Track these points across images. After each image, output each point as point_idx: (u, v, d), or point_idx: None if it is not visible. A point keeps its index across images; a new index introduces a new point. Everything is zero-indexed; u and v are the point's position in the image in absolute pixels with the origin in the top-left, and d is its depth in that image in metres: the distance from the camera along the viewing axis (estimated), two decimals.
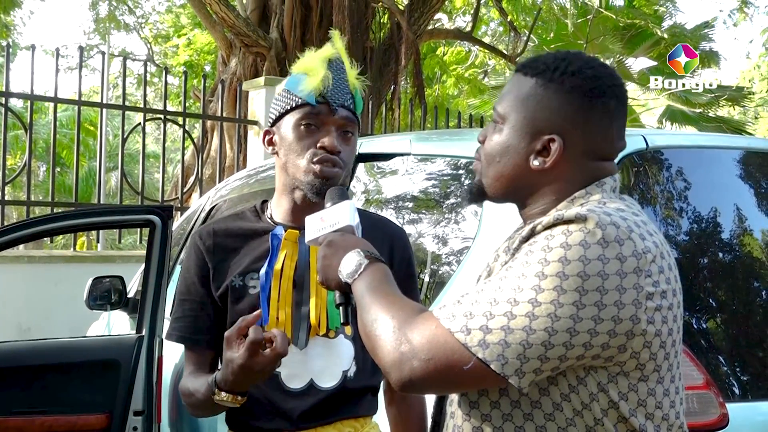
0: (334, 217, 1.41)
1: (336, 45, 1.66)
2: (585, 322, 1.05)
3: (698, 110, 12.58)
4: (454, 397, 1.23)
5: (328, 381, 1.61)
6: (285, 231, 1.65)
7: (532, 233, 1.14)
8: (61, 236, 10.09)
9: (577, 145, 1.20)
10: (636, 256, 1.08)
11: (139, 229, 6.63)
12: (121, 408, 2.85)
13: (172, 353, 3.06)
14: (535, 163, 1.21)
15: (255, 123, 7.22)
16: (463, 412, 1.19)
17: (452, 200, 2.32)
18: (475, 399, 1.17)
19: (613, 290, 1.06)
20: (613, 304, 1.06)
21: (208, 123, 8.24)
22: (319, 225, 1.42)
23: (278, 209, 1.70)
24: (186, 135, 6.98)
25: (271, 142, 1.69)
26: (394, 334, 1.12)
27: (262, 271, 1.62)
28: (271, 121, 1.68)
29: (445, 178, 2.38)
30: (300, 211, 1.64)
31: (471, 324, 1.07)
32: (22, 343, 3.07)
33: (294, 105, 1.62)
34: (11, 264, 5.59)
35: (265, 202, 1.76)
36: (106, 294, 3.66)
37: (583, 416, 1.11)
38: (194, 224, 3.57)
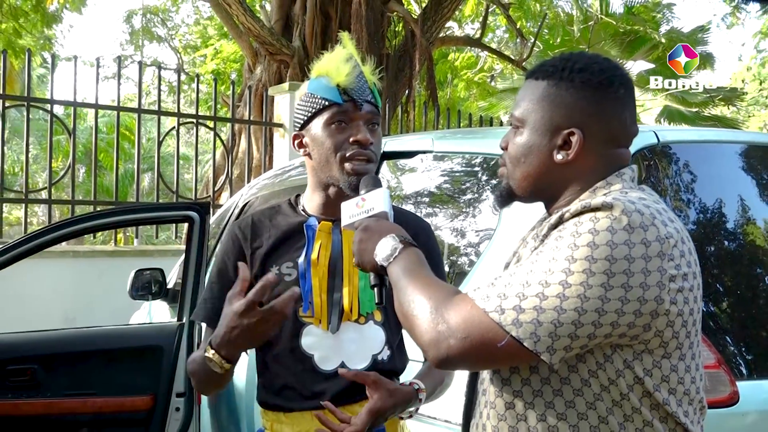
0: (369, 203, 1.42)
1: (346, 46, 1.65)
2: (612, 302, 1.05)
3: (694, 109, 12.48)
4: (485, 376, 1.23)
5: (359, 363, 1.61)
6: (319, 223, 1.66)
7: (561, 221, 1.14)
8: (100, 233, 10.14)
9: (596, 134, 1.20)
10: (660, 241, 1.07)
11: (174, 226, 6.66)
12: (165, 390, 2.88)
13: None
14: (559, 157, 1.21)
15: (280, 126, 7.23)
16: (495, 388, 1.18)
17: (472, 195, 2.32)
18: (506, 376, 1.17)
19: (639, 273, 1.05)
20: (639, 286, 1.05)
21: (236, 126, 8.27)
22: (354, 211, 1.43)
23: (311, 203, 1.70)
24: (216, 137, 7.01)
25: (301, 145, 1.67)
26: (431, 314, 1.12)
27: (301, 259, 1.62)
28: (298, 125, 1.67)
29: (465, 174, 2.38)
30: (332, 205, 1.65)
31: (505, 304, 1.07)
32: (72, 331, 3.10)
33: (321, 106, 1.61)
34: (58, 259, 5.64)
35: (298, 196, 1.76)
36: (147, 285, 3.70)
37: (610, 391, 1.11)
38: (229, 219, 3.58)
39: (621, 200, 1.10)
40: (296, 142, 1.68)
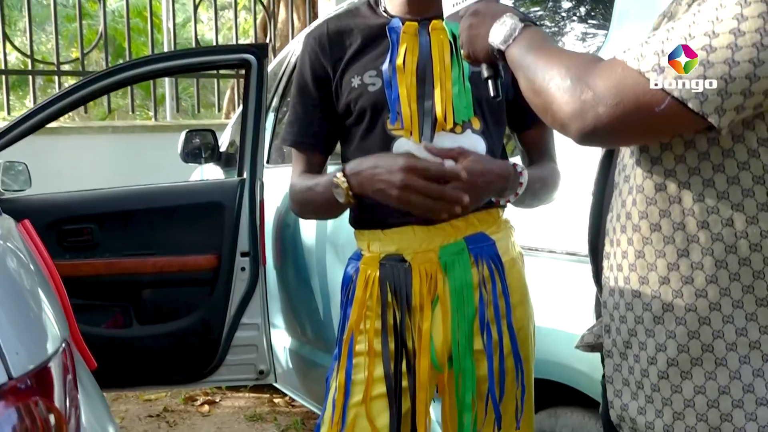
0: None
1: None
2: None
3: None
4: (627, 161, 1.16)
5: None
6: (403, 24, 1.58)
7: None
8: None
9: None
10: None
11: (216, 98, 6.64)
12: (229, 249, 2.91)
13: (274, 198, 3.08)
14: None
15: None
16: (642, 170, 1.12)
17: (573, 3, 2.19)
18: (657, 155, 1.10)
19: None
20: None
21: None
22: None
23: (393, 2, 1.62)
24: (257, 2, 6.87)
25: None
26: (572, 83, 1.05)
27: (385, 66, 1.55)
28: None
29: None
30: (418, 2, 1.58)
31: (664, 62, 0.99)
32: (129, 188, 3.12)
33: None
34: (97, 135, 5.70)
35: None
36: (198, 150, 3.70)
37: None
38: (285, 69, 3.51)
39: None
40: None
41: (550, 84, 1.08)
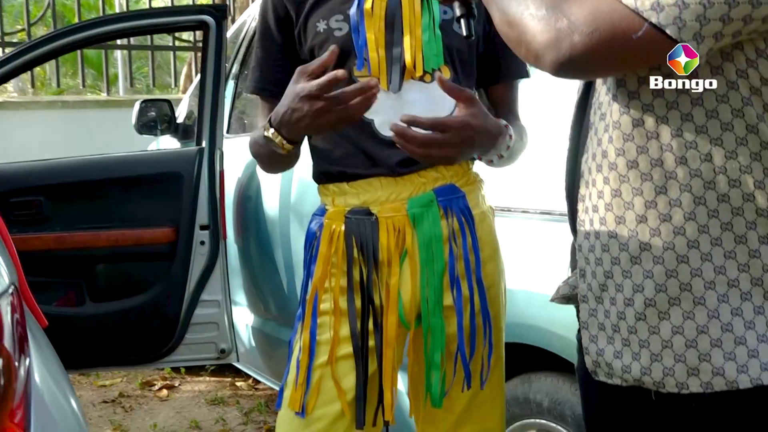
0: None
1: None
2: None
3: None
4: (604, 99, 1.16)
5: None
6: None
7: None
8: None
9: None
10: None
11: (173, 73, 6.55)
12: (187, 222, 2.87)
13: (234, 169, 3.04)
14: None
15: None
16: (619, 105, 1.12)
17: None
18: (634, 89, 1.10)
19: None
20: None
21: None
22: None
23: None
24: None
25: None
26: (547, 11, 1.04)
27: (352, 10, 1.53)
28: None
29: None
30: None
31: None
32: (80, 158, 3.05)
33: None
34: (46, 110, 5.58)
35: None
36: (153, 121, 3.64)
37: (762, 93, 1.04)
38: (245, 35, 3.47)
39: None
40: None
41: (524, 13, 1.07)
